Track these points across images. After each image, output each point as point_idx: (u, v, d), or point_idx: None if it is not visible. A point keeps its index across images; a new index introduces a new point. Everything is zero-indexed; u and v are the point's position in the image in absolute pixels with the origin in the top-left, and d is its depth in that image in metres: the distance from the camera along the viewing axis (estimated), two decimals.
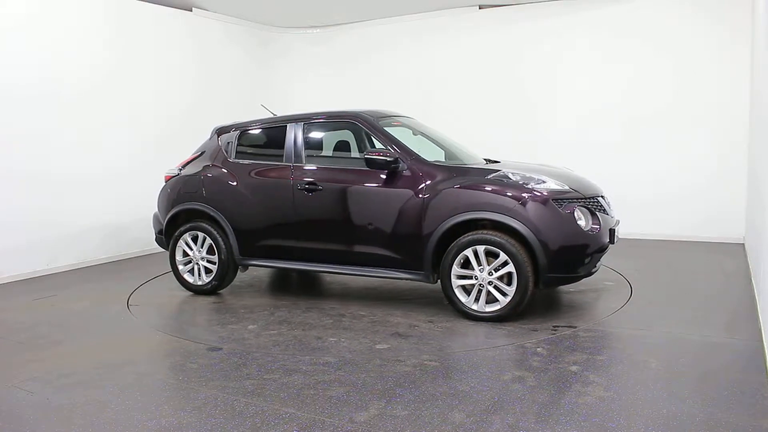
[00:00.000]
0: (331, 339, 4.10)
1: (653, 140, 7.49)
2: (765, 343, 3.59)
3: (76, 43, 6.72)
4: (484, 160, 5.31)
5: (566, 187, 4.37)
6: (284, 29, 9.61)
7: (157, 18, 7.63)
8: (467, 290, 4.37)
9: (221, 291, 5.53)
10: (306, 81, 9.72)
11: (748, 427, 2.65)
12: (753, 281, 5.09)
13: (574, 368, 3.39)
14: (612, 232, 4.44)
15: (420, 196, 4.47)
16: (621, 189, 7.47)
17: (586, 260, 4.30)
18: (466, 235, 4.32)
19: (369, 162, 4.59)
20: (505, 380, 3.26)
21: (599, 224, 4.31)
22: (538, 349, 3.74)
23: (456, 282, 4.38)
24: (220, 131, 5.57)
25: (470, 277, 4.33)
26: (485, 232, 4.27)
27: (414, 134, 5.39)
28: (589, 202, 4.40)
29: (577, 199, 4.33)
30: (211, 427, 2.81)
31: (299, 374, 3.43)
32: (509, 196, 4.22)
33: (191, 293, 5.48)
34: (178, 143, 7.77)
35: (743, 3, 6.89)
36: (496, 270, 4.23)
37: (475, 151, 5.69)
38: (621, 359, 3.55)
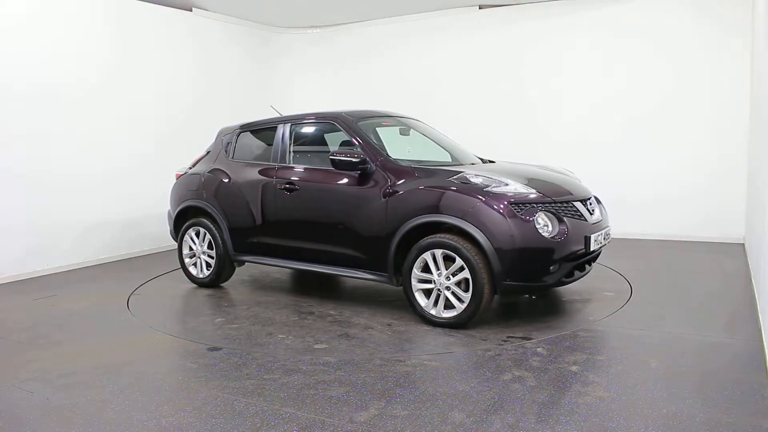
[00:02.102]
0: (280, 336, 4.19)
1: (653, 140, 7.49)
2: (765, 343, 3.59)
3: (76, 43, 6.72)
4: (480, 159, 5.34)
5: (531, 191, 4.14)
6: (284, 29, 9.61)
7: (157, 18, 7.63)
8: (429, 294, 4.27)
9: (224, 285, 5.80)
10: (306, 81, 9.73)
11: (748, 427, 2.65)
12: (753, 281, 5.09)
13: (574, 368, 3.39)
14: (587, 239, 4.16)
15: (385, 197, 4.43)
16: (621, 189, 7.51)
17: (552, 268, 4.03)
18: (426, 238, 4.21)
19: (334, 163, 4.60)
20: (505, 380, 3.26)
21: (566, 230, 4.06)
22: (538, 349, 3.74)
23: (416, 285, 4.29)
24: (223, 132, 5.85)
25: (430, 281, 4.23)
26: (443, 235, 4.14)
27: (402, 134, 5.46)
28: (559, 207, 4.15)
29: (543, 203, 4.09)
30: (211, 427, 2.81)
31: (299, 374, 3.43)
32: (465, 199, 4.06)
33: (192, 289, 5.71)
34: (178, 143, 7.79)
35: (743, 3, 6.89)
36: (454, 275, 4.10)
37: (473, 151, 5.70)
38: (621, 359, 3.55)
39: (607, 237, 4.50)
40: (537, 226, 3.96)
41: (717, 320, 4.25)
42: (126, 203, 7.27)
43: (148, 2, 7.49)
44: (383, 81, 9.13)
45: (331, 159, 4.60)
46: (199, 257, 5.71)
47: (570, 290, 5.10)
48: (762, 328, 3.86)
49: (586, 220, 4.27)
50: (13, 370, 3.65)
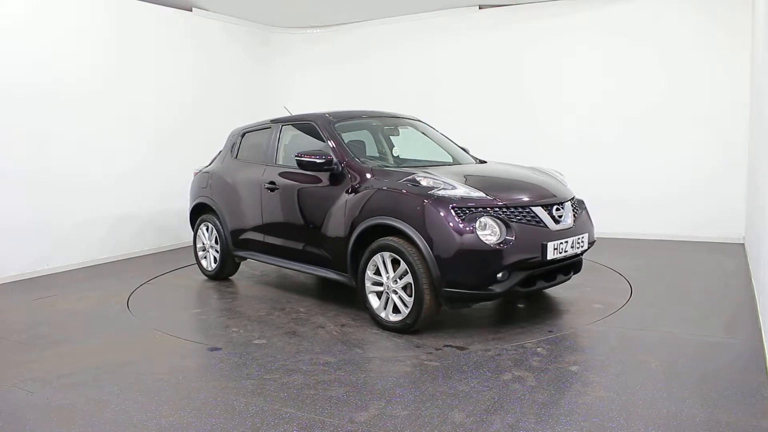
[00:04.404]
0: (234, 329, 4.38)
1: (653, 140, 7.49)
2: (765, 343, 3.59)
3: (76, 44, 6.71)
4: (474, 159, 5.38)
5: (480, 194, 3.96)
6: (284, 29, 9.61)
7: (157, 18, 7.63)
8: (381, 296, 4.23)
9: (232, 278, 6.07)
10: (306, 81, 9.73)
11: (748, 427, 2.65)
12: (753, 281, 5.09)
13: (574, 368, 3.39)
14: (543, 246, 3.92)
15: (346, 198, 4.45)
16: (621, 189, 7.52)
17: (500, 276, 3.82)
18: (378, 240, 4.15)
19: (300, 164, 4.63)
20: (505, 380, 3.26)
21: (514, 237, 3.82)
22: (538, 349, 3.74)
23: (369, 287, 4.25)
24: (232, 133, 6.09)
25: (381, 284, 4.19)
26: (391, 238, 4.07)
27: (390, 134, 5.55)
28: (510, 212, 3.93)
29: (490, 207, 3.90)
30: (211, 427, 2.81)
31: (299, 374, 3.43)
32: (409, 202, 3.98)
33: (192, 285, 5.95)
34: (178, 143, 7.79)
35: (743, 3, 6.89)
36: (400, 278, 4.03)
37: (472, 150, 5.69)
38: (621, 359, 3.55)
39: (577, 245, 4.19)
40: (479, 232, 3.79)
41: (717, 320, 4.25)
42: (125, 203, 7.27)
43: (148, 2, 7.48)
44: (383, 81, 9.12)
45: (297, 160, 4.64)
46: (208, 251, 6.03)
47: (568, 290, 5.10)
48: (762, 328, 3.86)
49: (545, 226, 4.02)
50: (13, 370, 3.65)
